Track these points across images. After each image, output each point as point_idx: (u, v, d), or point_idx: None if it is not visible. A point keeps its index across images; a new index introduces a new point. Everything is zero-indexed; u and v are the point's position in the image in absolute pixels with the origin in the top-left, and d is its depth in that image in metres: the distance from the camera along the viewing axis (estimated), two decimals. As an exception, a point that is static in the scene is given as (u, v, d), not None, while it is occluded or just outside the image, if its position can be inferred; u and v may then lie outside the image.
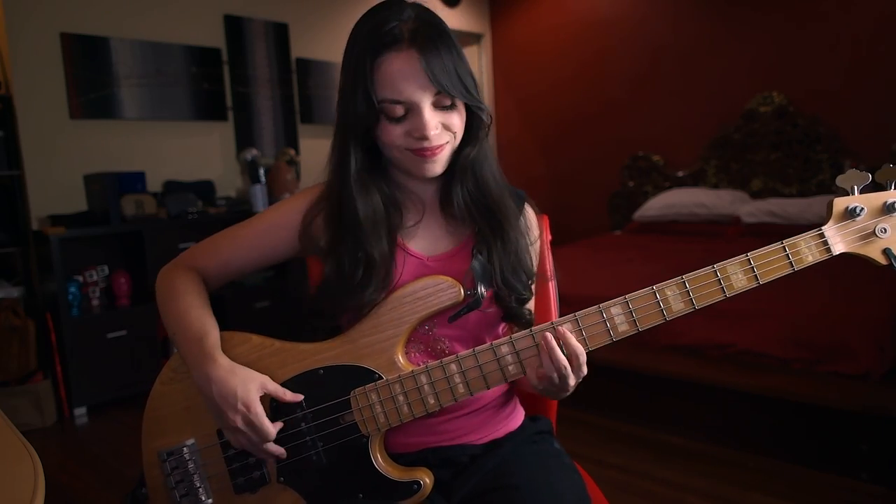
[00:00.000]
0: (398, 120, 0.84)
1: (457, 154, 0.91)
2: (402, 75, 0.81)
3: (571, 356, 0.79)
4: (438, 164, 0.88)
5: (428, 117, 0.83)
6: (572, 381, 0.81)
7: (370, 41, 0.82)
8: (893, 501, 1.85)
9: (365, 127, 0.85)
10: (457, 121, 0.87)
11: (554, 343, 0.79)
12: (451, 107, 0.85)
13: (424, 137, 0.83)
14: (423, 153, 0.85)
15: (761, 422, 2.20)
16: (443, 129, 0.85)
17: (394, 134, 0.85)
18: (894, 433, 1.90)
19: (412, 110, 0.83)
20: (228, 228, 1.00)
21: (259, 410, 0.84)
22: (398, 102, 0.83)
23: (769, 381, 2.15)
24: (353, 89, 0.84)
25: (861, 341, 2.11)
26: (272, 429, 0.85)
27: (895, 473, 1.90)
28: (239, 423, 0.84)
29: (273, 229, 0.97)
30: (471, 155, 0.91)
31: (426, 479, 0.86)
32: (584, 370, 0.81)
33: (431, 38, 0.82)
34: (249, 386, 0.85)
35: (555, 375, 0.79)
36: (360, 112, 0.84)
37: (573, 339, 0.80)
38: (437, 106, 0.84)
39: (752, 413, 2.21)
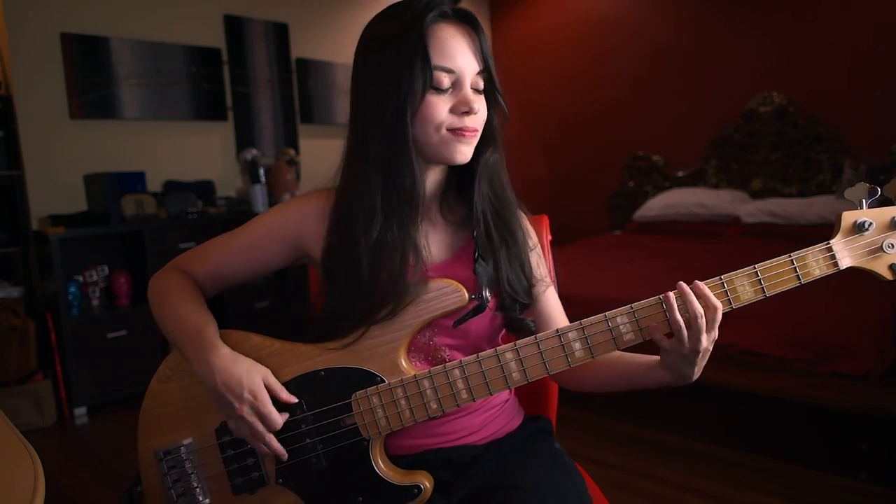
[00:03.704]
0: (443, 92, 0.84)
1: (476, 157, 0.90)
2: (456, 43, 0.83)
3: (708, 308, 0.76)
4: (469, 150, 0.87)
5: (470, 91, 0.84)
6: (704, 340, 0.77)
7: (420, 15, 0.83)
8: (893, 501, 1.85)
9: (422, 95, 0.82)
10: (484, 110, 0.88)
11: (687, 288, 0.77)
12: (481, 93, 0.87)
13: (470, 110, 0.83)
14: (464, 132, 0.84)
15: (761, 422, 2.19)
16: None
17: (438, 108, 0.83)
18: (894, 433, 1.90)
19: (457, 84, 0.84)
20: (221, 236, 0.98)
21: (266, 398, 0.84)
22: (449, 71, 0.83)
23: (769, 381, 2.15)
24: (403, 61, 0.81)
25: (861, 341, 2.11)
26: (279, 417, 0.85)
27: (895, 473, 1.90)
28: (245, 411, 0.83)
29: (263, 242, 0.95)
30: (490, 159, 0.91)
31: (426, 482, 0.86)
32: (716, 332, 0.78)
33: (478, 22, 0.87)
34: (254, 373, 0.85)
35: (684, 332, 0.77)
36: (415, 79, 0.81)
37: (708, 291, 0.77)
38: (473, 88, 0.85)
39: (752, 413, 2.20)
